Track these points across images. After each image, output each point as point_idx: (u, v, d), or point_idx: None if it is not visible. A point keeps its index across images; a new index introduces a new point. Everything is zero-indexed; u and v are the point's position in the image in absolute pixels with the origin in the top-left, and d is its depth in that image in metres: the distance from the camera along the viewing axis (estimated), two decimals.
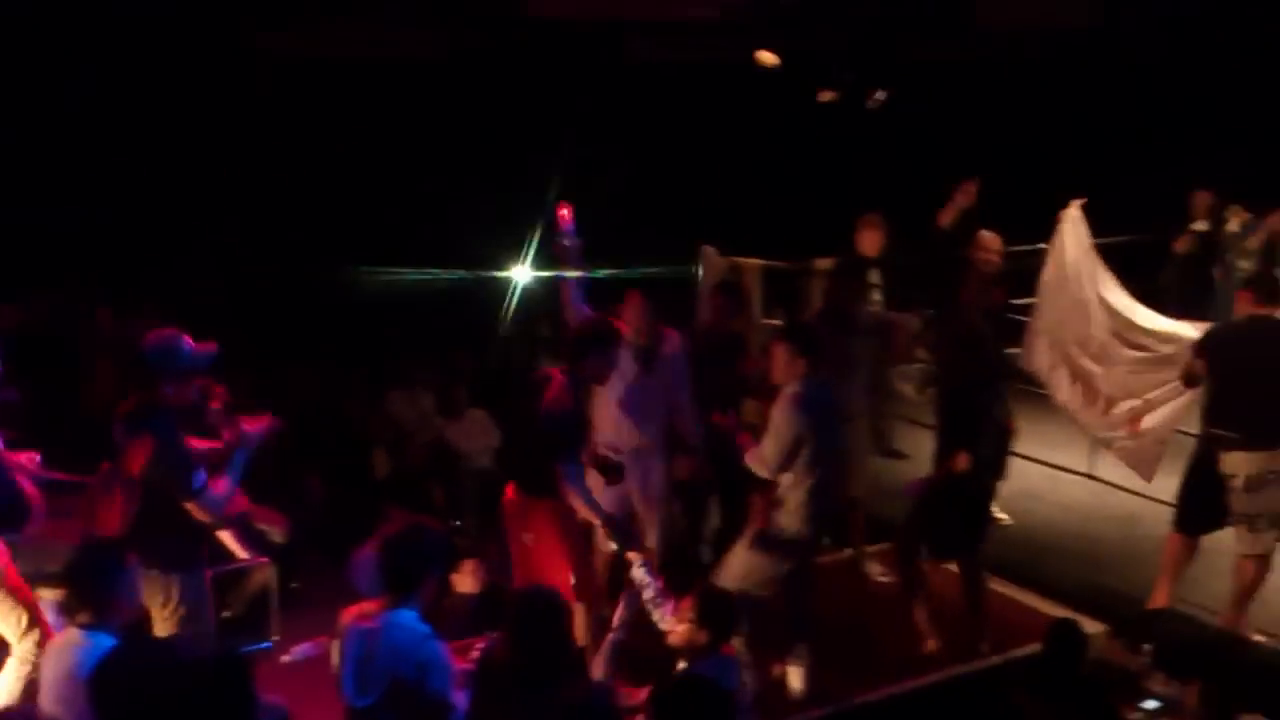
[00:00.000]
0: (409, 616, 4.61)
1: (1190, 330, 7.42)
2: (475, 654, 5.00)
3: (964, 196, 8.54)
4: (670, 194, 14.26)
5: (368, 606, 4.69)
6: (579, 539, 6.21)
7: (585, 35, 14.79)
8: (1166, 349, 7.53)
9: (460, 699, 4.72)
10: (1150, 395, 7.62)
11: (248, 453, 5.67)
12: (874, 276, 9.01)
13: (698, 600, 5.11)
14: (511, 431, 6.04)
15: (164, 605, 5.49)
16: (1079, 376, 8.03)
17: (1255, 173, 12.77)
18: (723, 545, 6.85)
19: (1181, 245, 10.85)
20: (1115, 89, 16.45)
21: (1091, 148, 15.69)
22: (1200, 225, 10.99)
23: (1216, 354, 6.96)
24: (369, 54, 14.41)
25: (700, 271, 9.65)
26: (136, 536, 5.29)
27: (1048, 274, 8.25)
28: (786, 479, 6.11)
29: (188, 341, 5.55)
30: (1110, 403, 7.89)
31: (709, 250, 9.81)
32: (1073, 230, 8.14)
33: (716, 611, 5.08)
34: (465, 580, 7.05)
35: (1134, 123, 16.06)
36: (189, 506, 5.42)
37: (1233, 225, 11.24)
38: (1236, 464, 6.78)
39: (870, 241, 9.06)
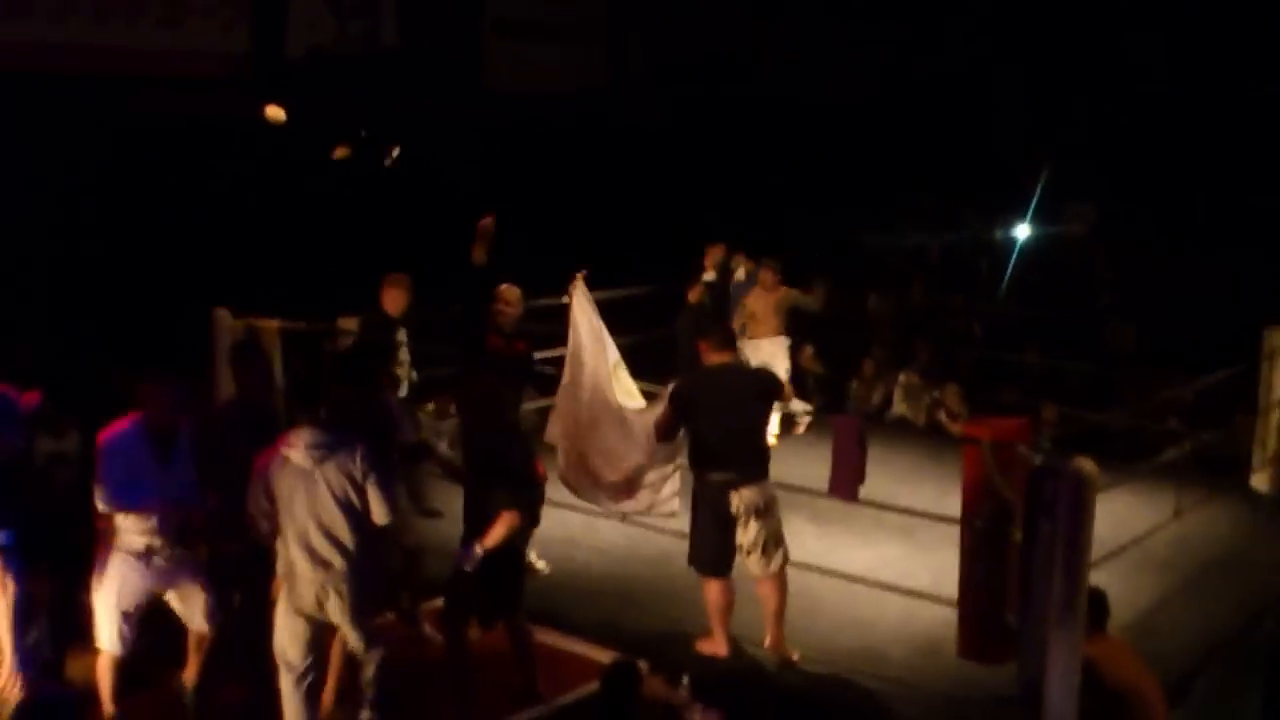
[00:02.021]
0: None
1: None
2: None
3: (485, 229, 8.57)
4: (179, 253, 13.59)
5: None
6: None
7: (87, 86, 13.88)
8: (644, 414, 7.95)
9: None
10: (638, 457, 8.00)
11: None
12: (401, 335, 8.97)
13: None
14: None
15: None
16: (580, 452, 8.30)
17: (757, 224, 13.76)
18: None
19: (694, 295, 11.43)
20: (620, 148, 17.24)
21: (607, 203, 16.35)
22: (709, 275, 11.62)
23: (692, 404, 7.34)
24: None
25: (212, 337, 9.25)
26: None
27: (570, 348, 8.50)
28: None
29: None
30: (605, 470, 8.21)
31: (222, 313, 9.39)
32: (580, 302, 8.44)
33: None
34: None
35: (645, 179, 16.89)
36: None
37: (739, 274, 12.01)
38: (747, 499, 7.16)
39: (395, 300, 9.01)
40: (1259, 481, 10.78)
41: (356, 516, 5.97)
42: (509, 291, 8.59)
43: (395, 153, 13.64)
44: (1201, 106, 16.91)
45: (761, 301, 11.54)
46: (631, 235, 14.92)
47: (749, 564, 7.28)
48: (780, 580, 7.33)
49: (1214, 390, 10.86)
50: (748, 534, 7.21)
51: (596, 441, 8.22)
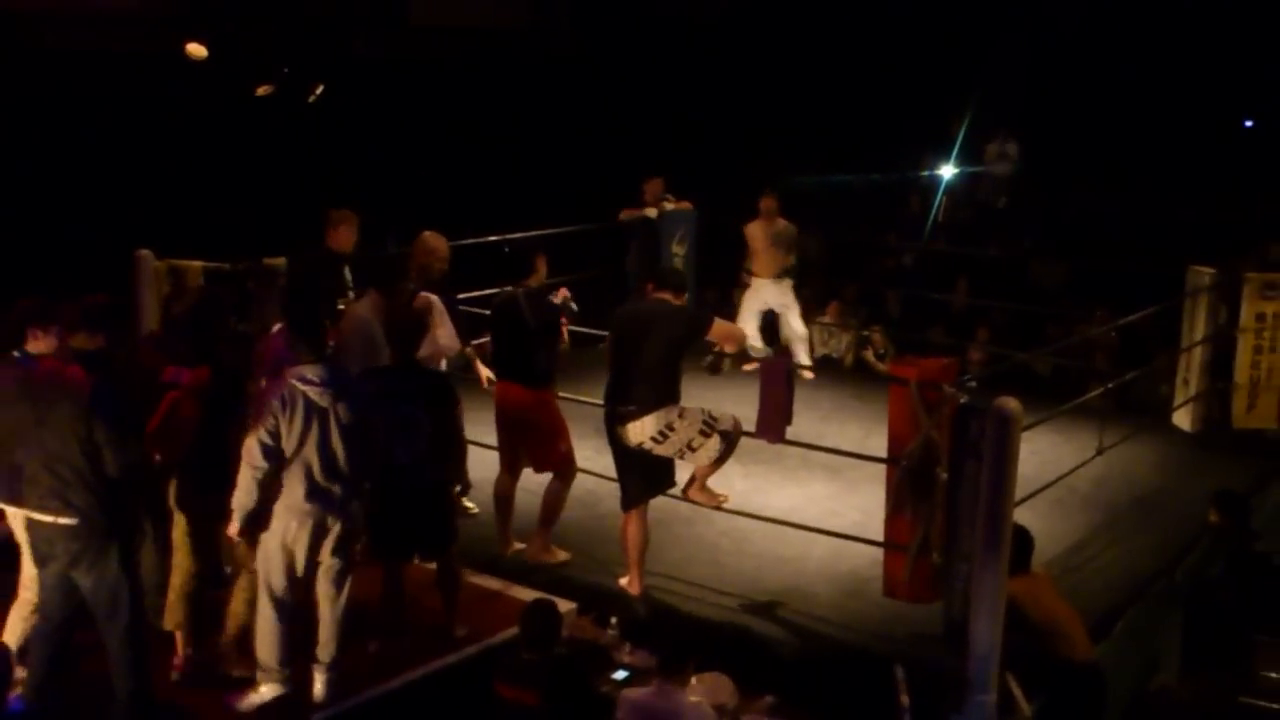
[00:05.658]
0: None
1: None
2: None
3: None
4: (97, 194, 13.31)
5: None
6: None
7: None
8: None
9: None
10: None
11: None
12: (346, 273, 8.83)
13: None
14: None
15: None
16: None
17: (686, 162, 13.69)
18: None
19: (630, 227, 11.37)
20: (544, 86, 17.09)
21: (528, 142, 16.22)
22: (651, 211, 11.52)
23: (614, 335, 7.36)
24: None
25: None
26: None
27: None
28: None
29: None
30: None
31: (144, 254, 9.21)
32: None
33: None
34: None
35: (564, 117, 16.75)
36: None
37: (667, 206, 11.91)
38: (641, 430, 7.14)
39: (343, 236, 8.83)
40: (1180, 419, 10.95)
41: (357, 454, 6.06)
42: (435, 240, 8.38)
43: (319, 90, 13.40)
44: (1131, 44, 17.04)
45: (760, 232, 11.35)
46: (558, 174, 14.82)
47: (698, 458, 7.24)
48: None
49: (1138, 328, 10.97)
50: (668, 448, 7.16)
51: None
